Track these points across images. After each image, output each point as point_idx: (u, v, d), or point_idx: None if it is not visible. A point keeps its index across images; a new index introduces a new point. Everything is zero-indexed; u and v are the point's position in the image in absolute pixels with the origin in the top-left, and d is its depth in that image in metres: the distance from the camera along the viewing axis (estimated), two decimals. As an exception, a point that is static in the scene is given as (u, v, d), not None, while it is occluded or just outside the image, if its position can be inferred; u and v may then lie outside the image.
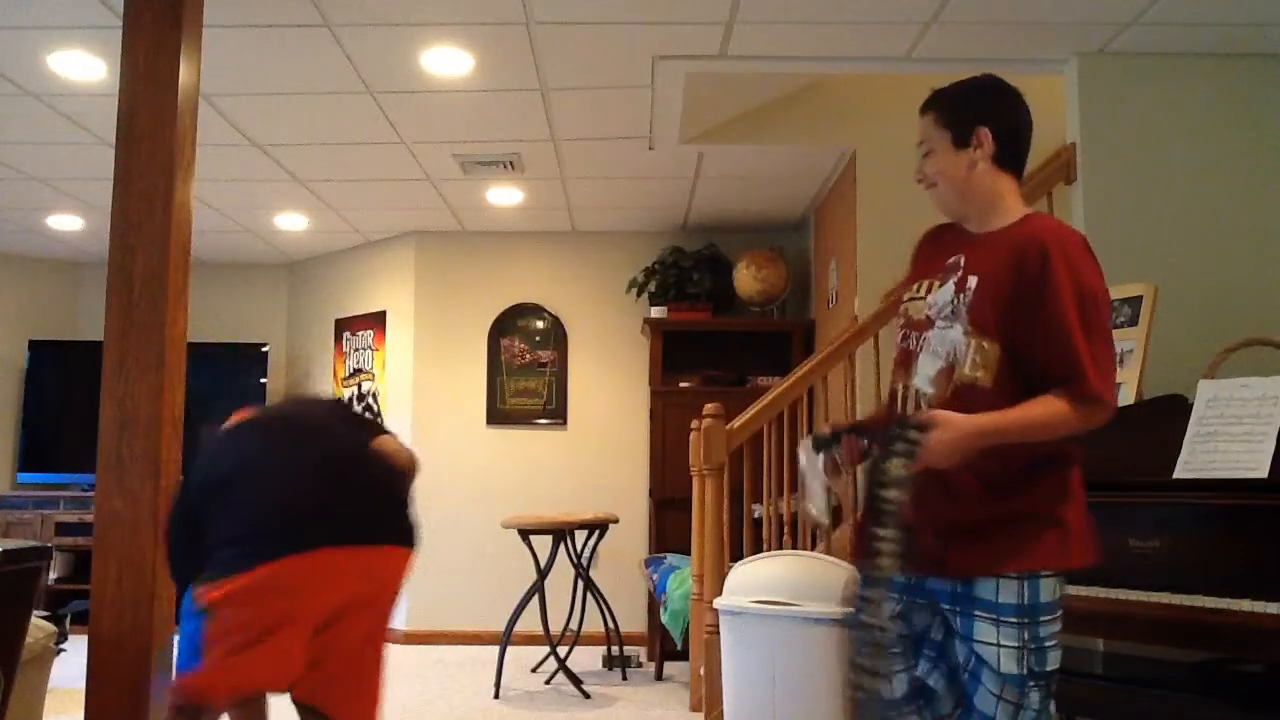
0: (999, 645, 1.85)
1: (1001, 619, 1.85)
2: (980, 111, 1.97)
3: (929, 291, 2.00)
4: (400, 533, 2.52)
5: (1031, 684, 1.85)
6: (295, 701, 2.34)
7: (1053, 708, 1.91)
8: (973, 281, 1.93)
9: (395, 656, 6.09)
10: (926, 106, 2.03)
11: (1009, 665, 1.85)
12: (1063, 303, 1.83)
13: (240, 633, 2.18)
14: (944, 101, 2.01)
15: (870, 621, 1.85)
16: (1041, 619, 1.85)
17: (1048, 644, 1.86)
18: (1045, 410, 1.83)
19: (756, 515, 4.37)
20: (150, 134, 3.05)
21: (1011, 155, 1.98)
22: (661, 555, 5.70)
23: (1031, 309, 1.85)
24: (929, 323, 1.98)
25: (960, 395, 1.91)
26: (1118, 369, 1.90)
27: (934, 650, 1.97)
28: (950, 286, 1.96)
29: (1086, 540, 1.91)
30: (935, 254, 2.05)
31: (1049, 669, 1.87)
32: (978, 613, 1.87)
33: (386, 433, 2.63)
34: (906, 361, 2.02)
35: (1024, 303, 1.86)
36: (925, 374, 1.97)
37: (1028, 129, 2.01)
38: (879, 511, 1.81)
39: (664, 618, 4.94)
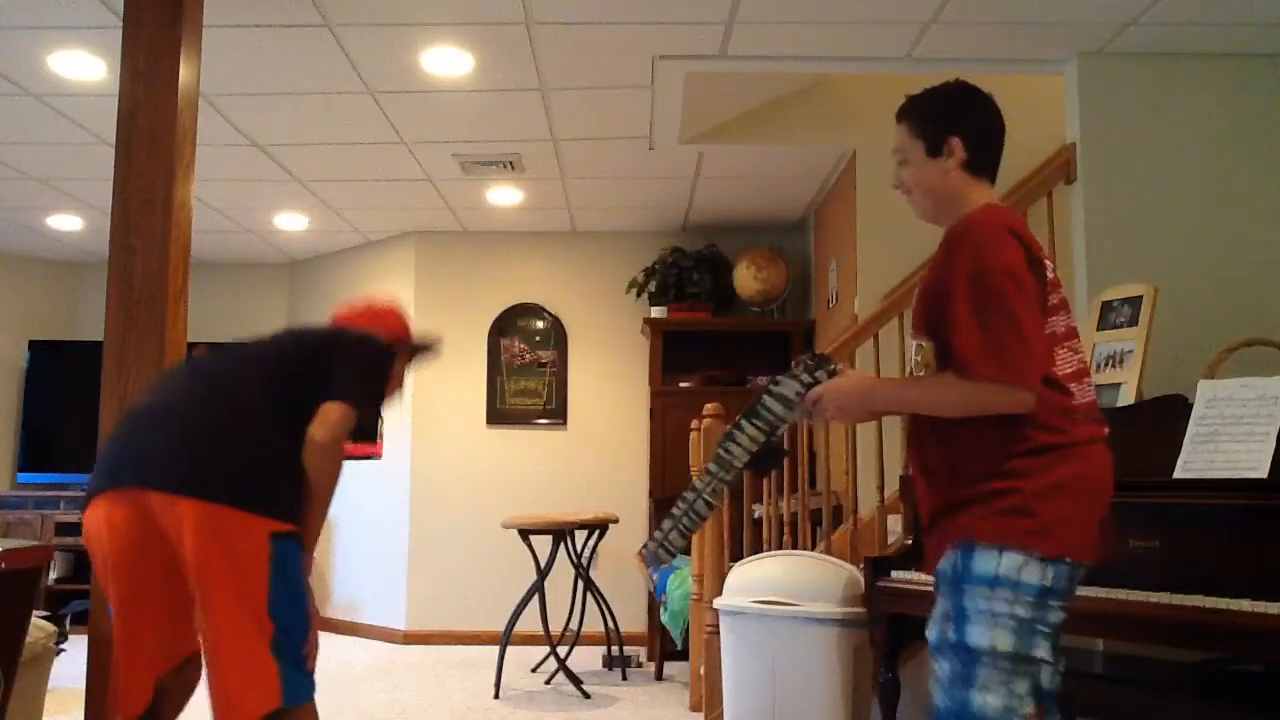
0: (933, 616, 1.88)
1: (939, 589, 1.87)
2: (951, 120, 1.99)
3: None
4: (185, 479, 2.11)
5: (946, 653, 1.81)
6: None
7: (993, 699, 1.76)
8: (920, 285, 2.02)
9: (395, 656, 6.10)
10: (900, 115, 2.06)
11: (930, 630, 1.87)
12: (954, 284, 1.83)
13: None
14: (915, 111, 2.04)
15: (702, 489, 1.96)
16: (966, 587, 1.80)
17: (971, 616, 1.78)
18: (941, 388, 1.86)
19: (756, 515, 4.37)
20: (150, 134, 3.06)
21: (983, 160, 2.00)
22: (661, 555, 5.69)
23: (943, 300, 1.87)
24: None
25: None
26: (1029, 347, 1.78)
27: None
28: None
29: (1070, 533, 1.80)
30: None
31: (970, 642, 1.78)
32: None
33: (344, 391, 2.31)
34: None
35: (941, 295, 1.88)
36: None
37: (999, 133, 2.03)
38: (754, 410, 1.95)
39: (664, 618, 4.94)
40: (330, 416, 2.25)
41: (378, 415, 2.46)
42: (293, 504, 2.20)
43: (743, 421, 1.96)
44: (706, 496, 1.96)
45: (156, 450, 2.16)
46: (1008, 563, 1.78)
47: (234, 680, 2.08)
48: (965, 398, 1.82)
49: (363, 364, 2.40)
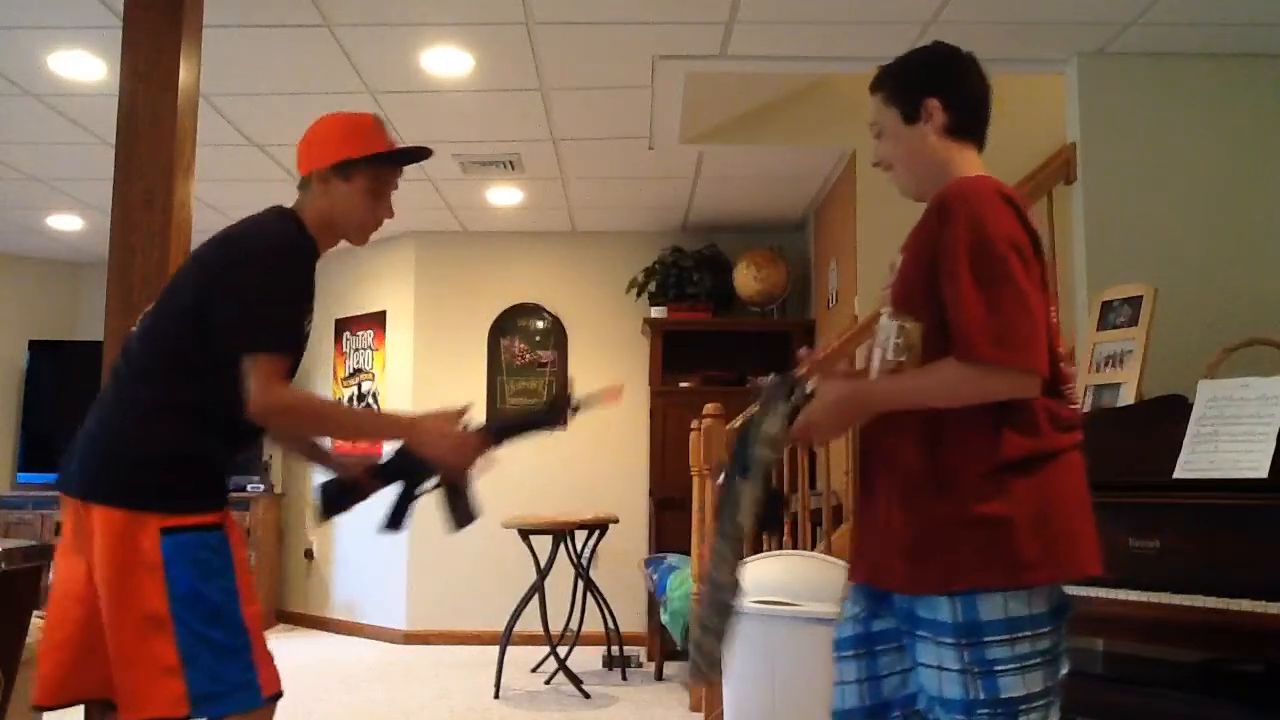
0: (940, 668, 1.66)
1: (940, 639, 1.65)
2: (926, 82, 1.83)
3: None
4: (85, 484, 1.96)
5: (977, 713, 1.62)
6: None
7: None
8: (898, 259, 1.82)
9: (395, 656, 6.10)
10: (873, 86, 1.90)
11: (940, 687, 1.65)
12: (955, 258, 1.64)
13: None
14: (889, 78, 1.88)
15: (719, 579, 1.69)
16: (986, 639, 1.61)
17: (1000, 668, 1.61)
18: (935, 376, 1.66)
19: (756, 515, 4.36)
20: (150, 134, 3.06)
21: (967, 123, 1.82)
22: (661, 555, 5.70)
23: (940, 273, 1.68)
24: (879, 316, 1.87)
25: None
26: (1037, 326, 1.64)
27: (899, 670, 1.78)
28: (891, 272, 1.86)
29: (1072, 552, 1.67)
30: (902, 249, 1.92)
31: (1005, 695, 1.61)
32: (920, 632, 1.69)
33: (239, 341, 1.95)
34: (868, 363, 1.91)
35: (935, 268, 1.69)
36: (873, 368, 1.84)
37: (983, 94, 1.85)
38: (746, 466, 1.71)
39: (664, 618, 4.93)
40: (249, 385, 1.91)
41: (301, 317, 2.04)
42: (186, 494, 1.94)
43: (739, 485, 1.73)
44: (728, 585, 1.71)
45: (73, 453, 2.02)
46: (1016, 603, 1.63)
47: (132, 692, 1.89)
48: (969, 383, 1.63)
49: (246, 288, 1.94)
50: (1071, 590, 2.39)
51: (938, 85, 1.82)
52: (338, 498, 2.20)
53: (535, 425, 2.22)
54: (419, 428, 2.11)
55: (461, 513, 2.19)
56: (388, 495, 2.24)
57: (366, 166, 2.09)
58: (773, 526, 1.78)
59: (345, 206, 2.10)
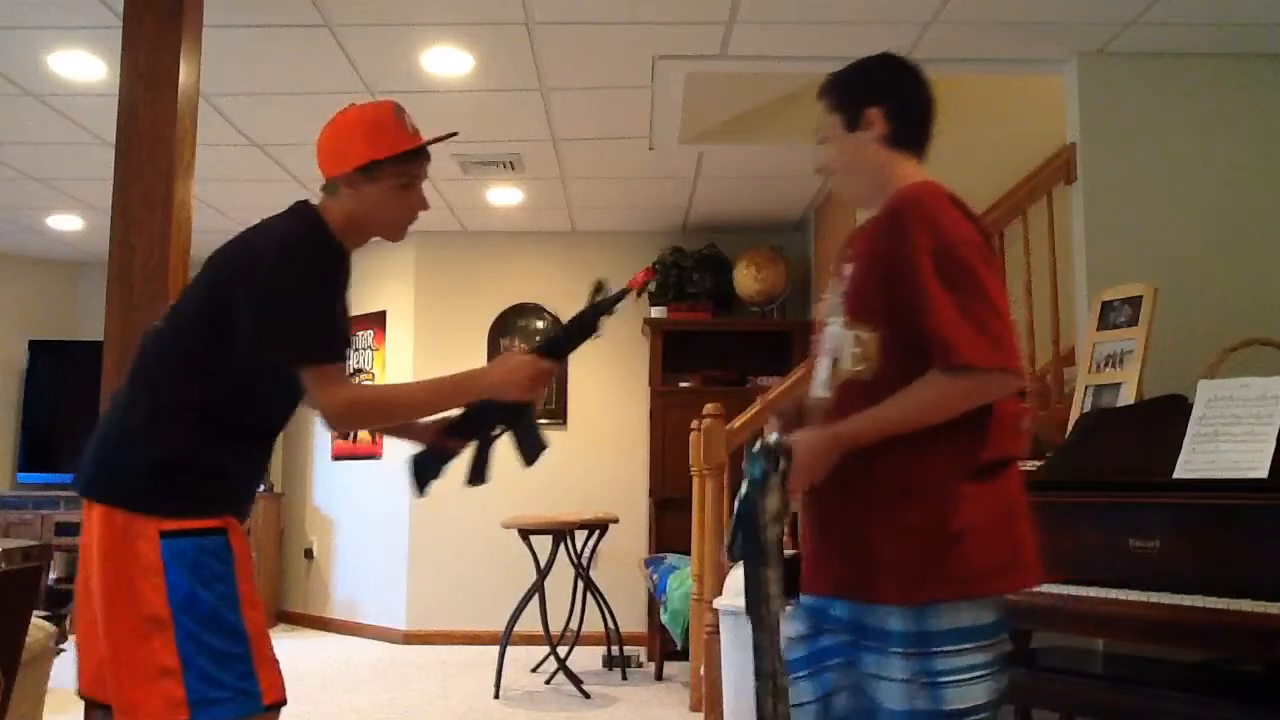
0: (884, 679, 1.64)
1: (887, 648, 1.64)
2: (869, 91, 1.84)
3: (829, 292, 1.88)
4: (89, 483, 1.95)
5: None
6: None
7: None
8: (849, 269, 1.82)
9: (395, 656, 6.10)
10: (820, 93, 1.90)
11: (884, 696, 1.64)
12: (918, 266, 1.63)
13: None
14: (833, 86, 1.88)
15: (765, 668, 1.64)
16: (935, 649, 1.60)
17: (946, 679, 1.60)
18: (919, 394, 1.63)
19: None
20: (150, 134, 3.06)
21: (907, 133, 1.84)
22: (661, 555, 5.70)
23: (900, 282, 1.67)
24: (823, 325, 1.85)
25: (844, 393, 1.74)
26: (1009, 326, 1.63)
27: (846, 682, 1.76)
28: (839, 281, 1.85)
29: (1021, 563, 1.67)
30: (842, 253, 1.92)
31: (949, 708, 1.59)
32: (866, 642, 1.67)
33: (283, 354, 1.94)
34: (810, 371, 1.89)
35: (891, 277, 1.68)
36: (820, 379, 1.82)
37: (925, 106, 1.86)
38: (760, 552, 1.64)
39: (664, 618, 4.93)
40: (311, 397, 1.91)
41: (336, 316, 2.08)
42: (187, 498, 1.91)
43: (763, 574, 1.65)
44: (779, 671, 1.65)
45: (86, 453, 2.01)
46: (969, 613, 1.62)
47: (129, 695, 1.85)
48: (956, 391, 1.62)
49: (274, 301, 1.89)
50: (1073, 590, 2.39)
51: (880, 95, 1.83)
52: (427, 466, 2.16)
53: (586, 331, 2.19)
54: (490, 377, 2.08)
55: (533, 445, 2.15)
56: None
57: (392, 164, 2.02)
58: (794, 589, 1.74)
59: (376, 207, 2.06)
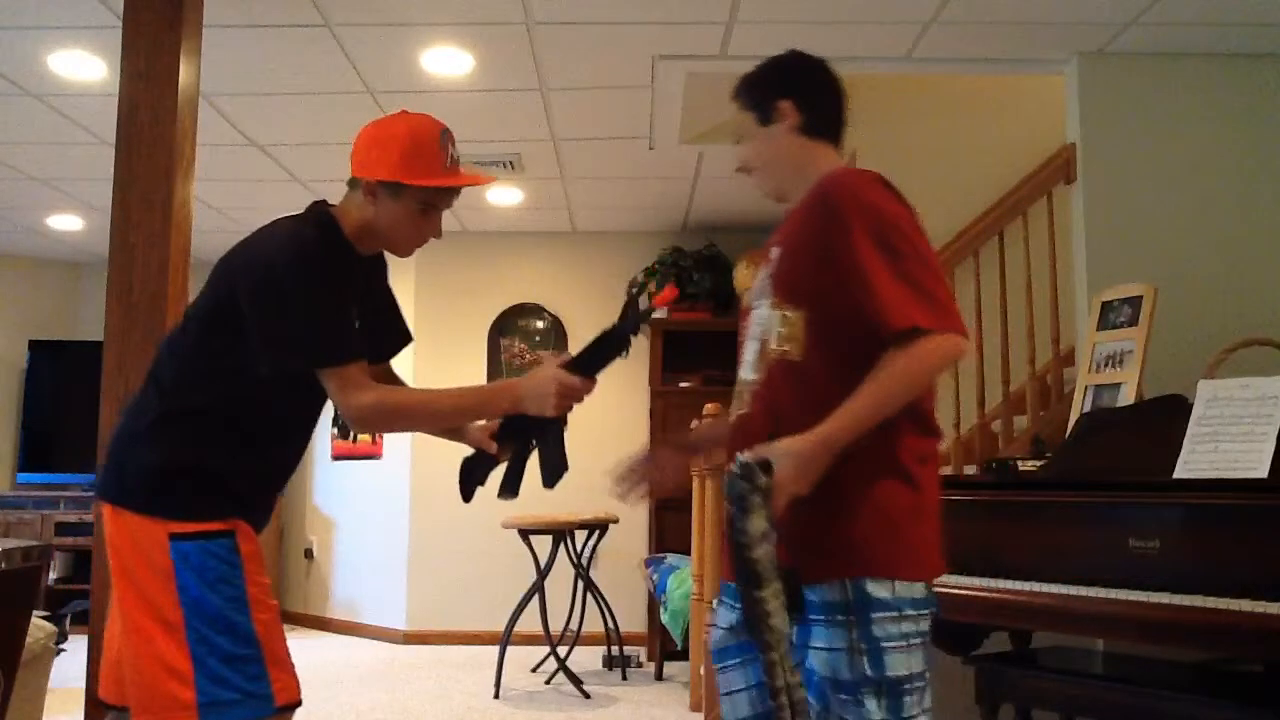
0: (830, 649, 1.66)
1: (831, 618, 1.66)
2: (778, 85, 1.89)
3: (756, 278, 1.92)
4: (103, 484, 1.98)
5: (864, 690, 1.63)
6: None
7: None
8: (775, 253, 1.86)
9: (395, 656, 6.10)
10: (732, 95, 1.95)
11: (823, 665, 1.66)
12: (855, 243, 1.66)
13: None
14: (744, 86, 1.93)
15: (778, 684, 1.61)
16: (873, 615, 1.63)
17: (886, 645, 1.63)
18: (882, 376, 1.63)
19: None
20: (150, 134, 3.06)
21: (821, 122, 1.88)
22: (661, 555, 5.70)
23: (833, 264, 1.69)
24: (750, 309, 1.90)
25: (775, 373, 1.77)
26: (951, 294, 1.66)
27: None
28: (765, 267, 1.88)
29: (938, 552, 1.73)
30: (769, 243, 1.94)
31: (892, 674, 1.63)
32: (812, 616, 1.69)
33: (303, 357, 1.93)
34: (739, 357, 1.89)
35: (823, 259, 1.71)
36: (748, 361, 1.86)
37: (834, 93, 1.90)
38: (751, 575, 1.61)
39: (664, 618, 4.94)
40: (334, 399, 1.93)
41: (347, 316, 1.97)
42: (193, 500, 1.91)
43: (760, 597, 1.61)
44: (793, 685, 1.61)
45: (104, 455, 2.04)
46: (902, 584, 1.66)
47: (141, 694, 1.87)
48: (915, 361, 1.62)
49: (281, 309, 1.88)
50: (1072, 590, 2.39)
51: (789, 87, 1.88)
52: (471, 471, 2.16)
53: (617, 348, 2.11)
54: (518, 390, 2.06)
55: (555, 465, 2.12)
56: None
57: (419, 191, 2.00)
58: (798, 604, 1.73)
59: (391, 223, 2.03)
